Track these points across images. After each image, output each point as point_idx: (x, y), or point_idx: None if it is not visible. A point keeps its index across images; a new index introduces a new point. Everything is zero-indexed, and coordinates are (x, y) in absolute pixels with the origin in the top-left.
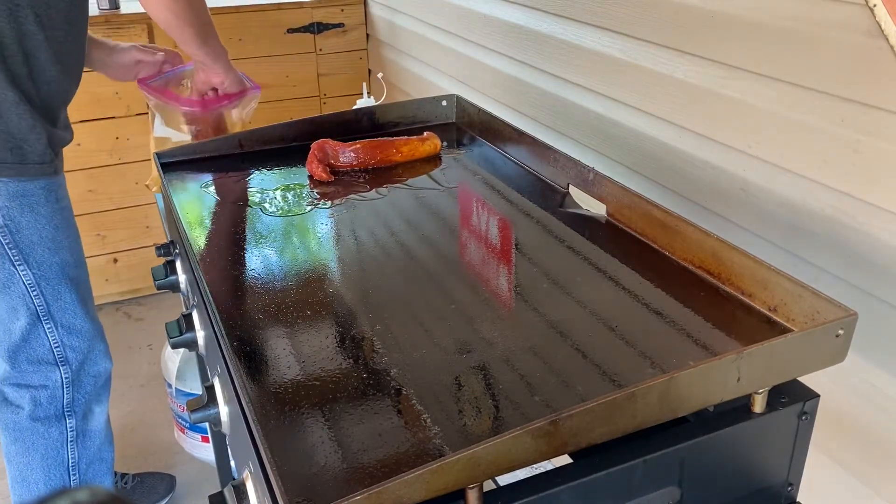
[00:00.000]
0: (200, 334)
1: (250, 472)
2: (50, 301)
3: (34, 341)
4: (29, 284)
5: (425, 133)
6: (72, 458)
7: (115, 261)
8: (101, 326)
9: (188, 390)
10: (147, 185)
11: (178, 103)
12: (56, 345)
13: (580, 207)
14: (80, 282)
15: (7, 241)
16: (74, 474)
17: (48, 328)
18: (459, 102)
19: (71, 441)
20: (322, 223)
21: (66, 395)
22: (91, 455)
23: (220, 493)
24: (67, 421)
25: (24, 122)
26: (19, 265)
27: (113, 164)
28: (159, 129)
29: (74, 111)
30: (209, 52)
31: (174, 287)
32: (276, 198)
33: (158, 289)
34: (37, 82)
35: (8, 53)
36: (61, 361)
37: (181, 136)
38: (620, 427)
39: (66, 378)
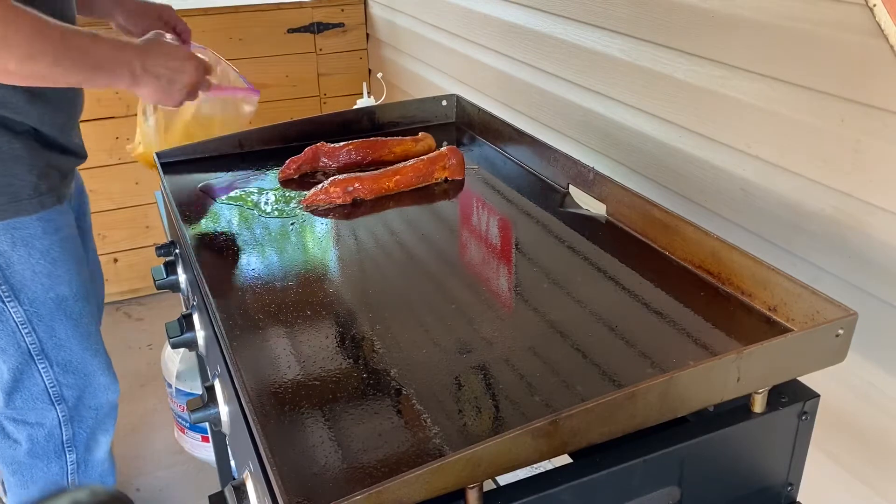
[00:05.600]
0: (200, 334)
1: (250, 472)
2: (43, 339)
3: (28, 381)
4: (20, 322)
5: (420, 133)
6: (72, 486)
7: (116, 261)
8: (106, 359)
9: (188, 390)
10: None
11: None
12: (52, 384)
13: (580, 207)
14: (81, 316)
15: None
16: None
17: (42, 367)
18: (459, 102)
19: (72, 473)
20: (322, 223)
21: (64, 433)
22: (93, 482)
23: (220, 493)
24: (68, 456)
25: (3, 153)
26: (9, 302)
27: (113, 164)
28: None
29: None
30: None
31: (174, 287)
32: (275, 198)
33: (158, 289)
34: (16, 113)
35: None
36: (57, 400)
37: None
38: (620, 427)
39: (62, 416)
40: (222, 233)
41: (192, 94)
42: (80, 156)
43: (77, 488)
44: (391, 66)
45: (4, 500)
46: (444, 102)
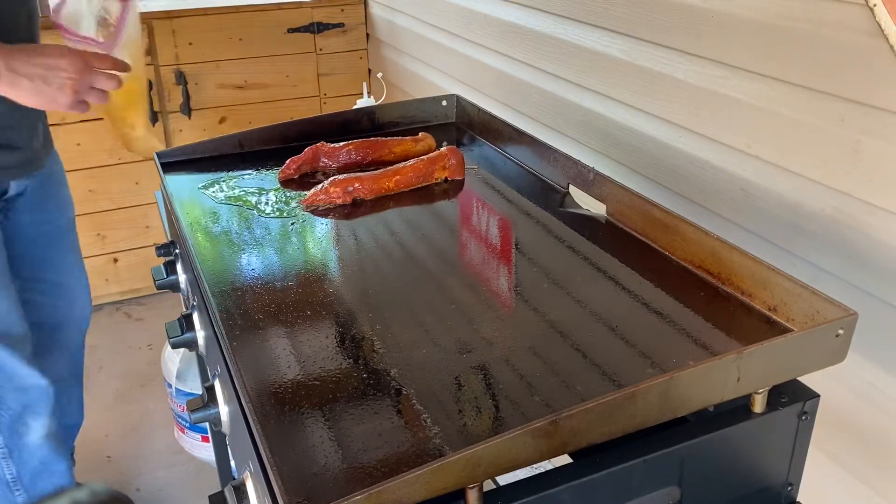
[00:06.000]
0: (200, 334)
1: (250, 472)
2: None
3: None
4: None
5: (420, 133)
6: (9, 473)
7: (116, 261)
8: (27, 346)
9: (188, 390)
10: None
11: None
12: None
13: (580, 207)
14: None
15: None
16: (17, 488)
17: None
18: (459, 102)
19: (4, 458)
20: (322, 223)
21: None
22: (34, 469)
23: (220, 493)
24: None
25: None
26: None
27: (113, 164)
28: None
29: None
30: None
31: (174, 287)
32: (275, 198)
33: (158, 289)
34: None
35: None
36: None
37: None
38: (620, 427)
39: None
40: (222, 233)
41: (86, 93)
42: (16, 149)
43: (77, 488)
44: (391, 66)
45: None
46: (444, 102)
